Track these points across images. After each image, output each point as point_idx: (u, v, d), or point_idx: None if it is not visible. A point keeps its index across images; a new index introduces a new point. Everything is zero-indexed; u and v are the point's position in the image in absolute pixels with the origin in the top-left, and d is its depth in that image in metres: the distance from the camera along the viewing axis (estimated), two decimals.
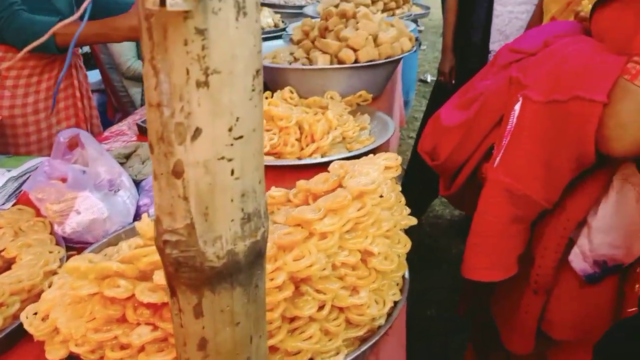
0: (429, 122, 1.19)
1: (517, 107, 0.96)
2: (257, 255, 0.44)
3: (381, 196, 0.86)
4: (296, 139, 1.46)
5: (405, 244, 0.90)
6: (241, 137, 0.40)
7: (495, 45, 2.40)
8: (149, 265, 0.79)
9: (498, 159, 0.98)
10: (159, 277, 0.75)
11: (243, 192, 0.41)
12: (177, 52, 0.37)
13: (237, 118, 0.39)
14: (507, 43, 1.15)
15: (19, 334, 0.85)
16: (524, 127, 0.95)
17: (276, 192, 1.13)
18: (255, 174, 0.42)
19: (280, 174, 1.39)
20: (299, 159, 1.44)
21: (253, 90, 0.40)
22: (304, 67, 1.81)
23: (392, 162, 0.95)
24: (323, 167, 1.23)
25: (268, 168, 1.38)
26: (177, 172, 0.40)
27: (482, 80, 1.11)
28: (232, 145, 0.39)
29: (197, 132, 0.38)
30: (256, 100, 0.41)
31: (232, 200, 0.41)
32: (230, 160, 0.40)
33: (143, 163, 1.35)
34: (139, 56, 2.53)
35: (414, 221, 0.93)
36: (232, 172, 0.40)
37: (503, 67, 1.08)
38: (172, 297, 0.44)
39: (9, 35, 1.60)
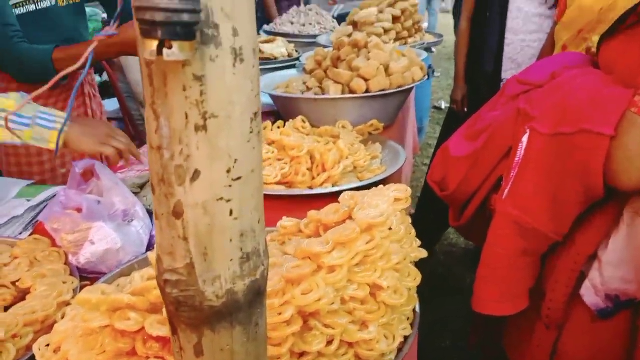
0: (438, 153, 1.20)
1: (525, 139, 0.96)
2: (256, 294, 0.44)
3: (390, 229, 0.86)
4: (307, 169, 1.47)
5: (415, 277, 0.89)
6: (239, 178, 0.41)
7: (507, 73, 2.41)
8: (159, 298, 0.79)
9: (506, 191, 0.98)
10: None
11: (242, 232, 0.42)
12: (177, 97, 0.38)
13: (235, 160, 0.40)
14: (515, 75, 1.16)
15: None
16: (532, 160, 0.95)
17: (287, 222, 1.13)
18: (255, 214, 0.43)
19: (292, 203, 1.40)
20: (310, 188, 1.45)
21: (251, 132, 0.41)
22: (315, 96, 1.83)
23: (401, 194, 0.95)
24: (334, 196, 1.23)
25: (279, 198, 1.41)
26: (177, 213, 0.41)
27: (491, 111, 1.12)
28: (230, 186, 0.40)
29: (196, 174, 0.40)
30: (254, 142, 0.42)
31: (231, 240, 0.42)
32: (228, 201, 0.41)
33: None
34: None
35: (424, 254, 0.92)
36: (231, 213, 0.41)
37: (511, 98, 1.08)
38: (173, 335, 0.45)
39: (9, 68, 1.65)
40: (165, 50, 0.34)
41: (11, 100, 1.19)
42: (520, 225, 0.96)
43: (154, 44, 0.34)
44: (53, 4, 1.78)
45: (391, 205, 0.92)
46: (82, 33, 1.90)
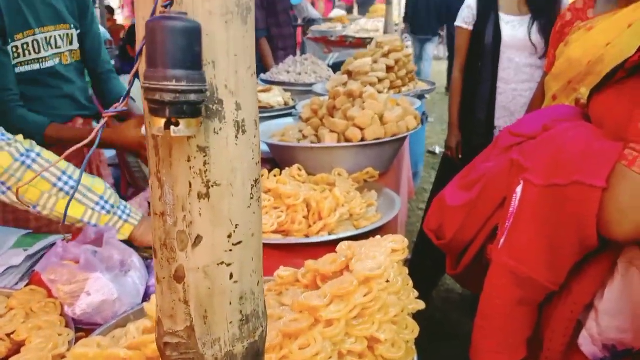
0: (434, 202, 1.22)
1: (519, 190, 0.98)
2: (255, 355, 0.45)
3: (387, 281, 0.87)
4: (304, 217, 1.48)
5: (413, 330, 0.89)
6: (240, 242, 0.42)
7: (500, 121, 2.46)
8: (155, 352, 0.79)
9: (502, 240, 0.99)
10: None
11: (241, 294, 0.43)
12: (181, 167, 0.40)
13: (237, 225, 0.42)
14: (507, 127, 1.19)
15: None
16: (526, 210, 0.97)
17: (284, 272, 1.14)
18: (254, 277, 0.44)
19: (288, 251, 1.41)
20: (307, 236, 1.46)
21: (252, 198, 0.43)
22: (312, 145, 1.86)
23: (398, 245, 0.97)
24: (331, 245, 1.24)
25: (276, 246, 1.42)
26: (179, 277, 0.42)
27: (484, 162, 1.14)
28: (231, 250, 0.42)
29: (198, 239, 0.41)
30: (255, 207, 0.43)
31: (230, 303, 0.43)
32: (229, 265, 0.42)
33: None
34: None
35: (421, 305, 0.93)
36: (231, 276, 0.42)
37: (504, 150, 1.11)
38: None
39: (6, 129, 1.71)
40: (172, 128, 0.36)
41: (100, 185, 1.28)
42: (517, 274, 0.97)
43: (162, 121, 0.36)
44: (57, 62, 1.85)
45: (388, 257, 0.93)
46: (81, 87, 1.98)
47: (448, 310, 2.91)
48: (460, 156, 2.64)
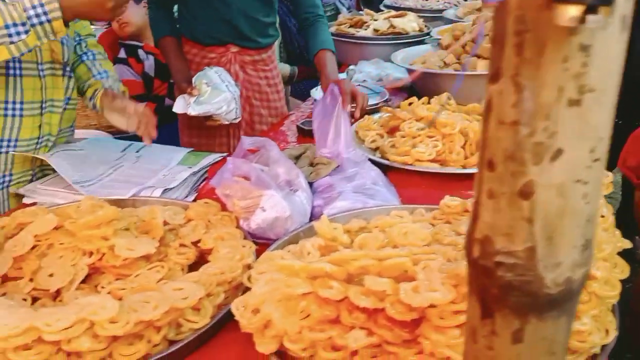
0: (631, 138, 1.11)
1: None
2: (583, 285, 0.41)
3: (603, 216, 0.81)
4: (461, 147, 1.42)
5: (622, 269, 0.83)
6: (598, 159, 0.38)
7: None
8: (358, 269, 0.79)
9: None
10: (371, 282, 0.75)
11: (589, 217, 0.39)
12: (553, 69, 0.35)
13: (600, 139, 0.37)
14: None
15: (218, 325, 0.88)
16: None
17: (452, 201, 1.10)
18: (598, 199, 0.40)
19: (445, 181, 1.37)
20: (463, 167, 1.40)
21: (614, 108, 0.38)
22: (461, 72, 1.76)
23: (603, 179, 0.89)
24: None
25: (433, 175, 1.38)
26: (525, 193, 0.38)
27: None
28: (590, 167, 0.37)
29: (558, 152, 0.37)
30: (612, 118, 0.38)
31: (577, 226, 0.39)
32: (585, 183, 0.38)
33: (312, 165, 1.38)
34: (281, 59, 2.58)
35: (628, 244, 0.86)
36: (584, 196, 0.38)
37: None
38: (484, 319, 0.43)
39: None
40: (590, 17, 0.31)
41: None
42: None
43: (576, 9, 0.31)
44: None
45: None
46: (252, 19, 1.84)
47: None
48: None
